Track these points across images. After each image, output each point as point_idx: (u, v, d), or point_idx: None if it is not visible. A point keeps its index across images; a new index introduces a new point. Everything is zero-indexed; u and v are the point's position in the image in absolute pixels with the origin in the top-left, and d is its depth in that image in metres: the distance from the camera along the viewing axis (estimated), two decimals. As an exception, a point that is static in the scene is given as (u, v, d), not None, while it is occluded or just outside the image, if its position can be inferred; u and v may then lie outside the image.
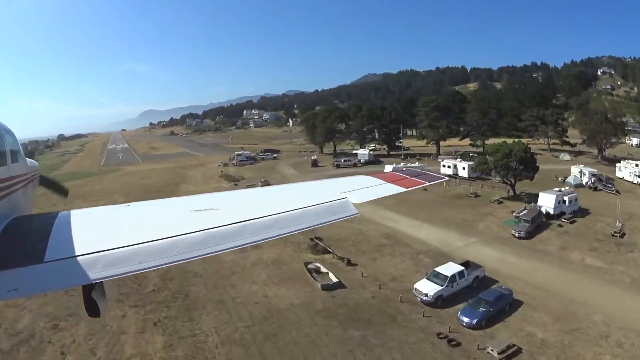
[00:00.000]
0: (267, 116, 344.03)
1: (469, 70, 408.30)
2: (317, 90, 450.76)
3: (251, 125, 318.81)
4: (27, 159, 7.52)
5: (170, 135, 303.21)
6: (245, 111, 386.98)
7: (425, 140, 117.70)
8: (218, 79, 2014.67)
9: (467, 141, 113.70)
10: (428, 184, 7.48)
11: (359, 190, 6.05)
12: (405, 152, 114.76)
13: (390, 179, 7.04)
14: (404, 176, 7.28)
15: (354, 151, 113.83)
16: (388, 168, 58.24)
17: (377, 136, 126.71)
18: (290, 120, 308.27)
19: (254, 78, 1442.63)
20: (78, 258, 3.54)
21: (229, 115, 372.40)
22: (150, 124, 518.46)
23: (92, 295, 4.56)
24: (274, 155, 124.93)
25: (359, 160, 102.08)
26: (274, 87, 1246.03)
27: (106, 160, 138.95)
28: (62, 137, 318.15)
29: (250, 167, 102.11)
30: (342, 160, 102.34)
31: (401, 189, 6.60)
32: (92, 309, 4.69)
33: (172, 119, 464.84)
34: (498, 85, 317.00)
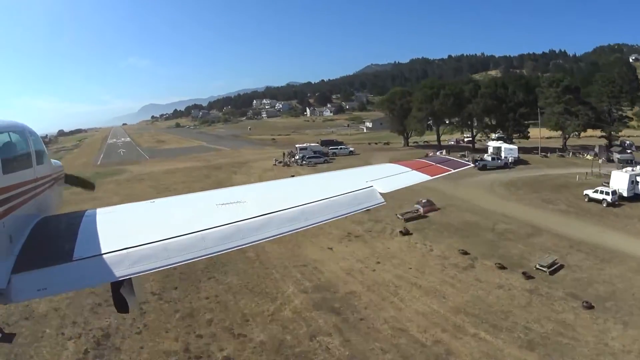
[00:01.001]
0: (280, 106, 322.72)
1: (484, 57, 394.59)
2: (323, 80, 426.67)
3: (264, 115, 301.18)
4: (52, 160, 7.52)
5: (176, 127, 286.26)
6: (255, 101, 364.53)
7: (559, 131, 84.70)
8: (217, 73, 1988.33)
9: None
10: (453, 170, 7.04)
11: (384, 178, 5.91)
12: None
13: (416, 166, 6.77)
14: (430, 163, 7.16)
15: (491, 144, 77.20)
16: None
17: (489, 123, 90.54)
18: (307, 110, 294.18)
19: (254, 71, 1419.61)
20: (106, 256, 3.52)
21: (237, 106, 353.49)
22: (152, 117, 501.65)
23: (120, 292, 4.41)
24: (350, 149, 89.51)
25: (506, 159, 67.96)
26: (275, 80, 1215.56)
27: (105, 157, 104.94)
28: (61, 133, 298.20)
29: (328, 168, 66.26)
30: (486, 158, 68.48)
31: (427, 177, 6.41)
32: (121, 305, 4.57)
33: (175, 110, 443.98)
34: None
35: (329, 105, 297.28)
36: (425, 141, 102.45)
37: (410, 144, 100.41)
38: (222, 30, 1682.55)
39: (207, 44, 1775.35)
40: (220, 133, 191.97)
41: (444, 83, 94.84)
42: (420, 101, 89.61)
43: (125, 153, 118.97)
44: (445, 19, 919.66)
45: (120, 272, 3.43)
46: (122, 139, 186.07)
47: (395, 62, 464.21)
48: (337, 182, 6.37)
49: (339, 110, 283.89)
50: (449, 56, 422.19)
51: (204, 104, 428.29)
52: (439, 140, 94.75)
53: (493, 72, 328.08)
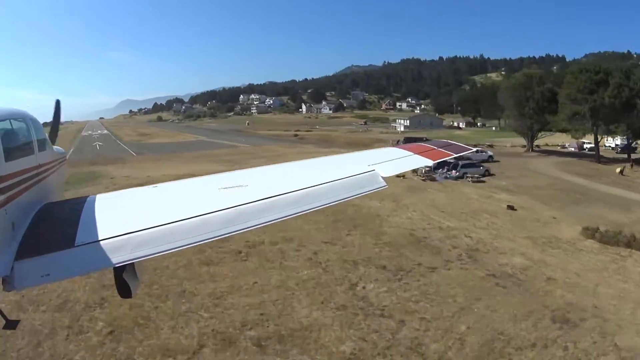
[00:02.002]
0: (271, 102, 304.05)
1: (481, 60, 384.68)
2: (307, 79, 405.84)
3: (253, 111, 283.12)
4: (54, 147, 7.43)
5: (158, 120, 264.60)
6: (241, 96, 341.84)
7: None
8: (195, 70, 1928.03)
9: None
10: (455, 154, 7.13)
11: (386, 162, 5.82)
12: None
13: (417, 150, 6.64)
14: (431, 147, 7.03)
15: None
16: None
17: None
18: (303, 106, 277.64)
19: (232, 69, 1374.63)
20: (108, 240, 3.54)
21: (222, 101, 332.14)
22: (130, 111, 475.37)
23: (123, 277, 4.40)
24: (489, 154, 59.95)
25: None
26: (253, 78, 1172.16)
27: (75, 153, 72.69)
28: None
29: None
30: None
31: (429, 161, 6.43)
32: (124, 290, 4.55)
33: (155, 104, 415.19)
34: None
35: (324, 103, 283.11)
36: (546, 144, 78.31)
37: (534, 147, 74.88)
38: (201, 27, 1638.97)
39: (186, 40, 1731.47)
40: (214, 127, 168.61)
41: (608, 69, 64.64)
42: (578, 89, 60.58)
43: (103, 147, 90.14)
44: (433, 21, 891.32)
45: (122, 257, 3.41)
46: (99, 131, 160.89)
47: (385, 62, 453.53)
48: (339, 165, 6.14)
49: (339, 107, 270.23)
50: (440, 58, 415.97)
51: (191, 96, 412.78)
52: (597, 145, 65.13)
53: (493, 75, 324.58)
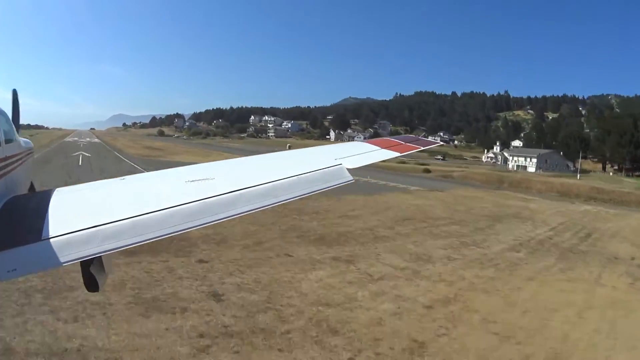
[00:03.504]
0: (289, 125, 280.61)
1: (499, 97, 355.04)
2: (309, 107, 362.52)
3: (271, 134, 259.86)
4: (22, 139, 7.20)
5: (160, 135, 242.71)
6: (252, 117, 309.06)
7: None
8: (186, 90, 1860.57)
9: None
10: (423, 148, 6.78)
11: (353, 156, 5.63)
12: None
13: (385, 144, 6.40)
14: (399, 142, 6.65)
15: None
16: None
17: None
18: (332, 132, 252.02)
19: (220, 92, 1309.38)
20: (76, 234, 3.37)
21: (230, 120, 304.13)
22: (124, 124, 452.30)
23: (90, 270, 4.39)
24: None
25: None
26: (244, 101, 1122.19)
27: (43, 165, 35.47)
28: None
29: None
30: None
31: (396, 154, 6.16)
32: (91, 284, 4.50)
33: (154, 118, 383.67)
34: (551, 115, 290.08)
35: (350, 130, 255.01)
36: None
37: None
38: (197, 47, 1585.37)
39: (181, 59, 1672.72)
40: (241, 147, 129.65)
41: None
42: None
43: (90, 162, 51.70)
44: (439, 58, 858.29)
45: (89, 250, 3.26)
46: (88, 139, 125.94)
47: (397, 93, 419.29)
48: (306, 159, 6.03)
49: (374, 136, 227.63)
50: (454, 92, 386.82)
51: (194, 112, 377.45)
52: None
53: (520, 112, 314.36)
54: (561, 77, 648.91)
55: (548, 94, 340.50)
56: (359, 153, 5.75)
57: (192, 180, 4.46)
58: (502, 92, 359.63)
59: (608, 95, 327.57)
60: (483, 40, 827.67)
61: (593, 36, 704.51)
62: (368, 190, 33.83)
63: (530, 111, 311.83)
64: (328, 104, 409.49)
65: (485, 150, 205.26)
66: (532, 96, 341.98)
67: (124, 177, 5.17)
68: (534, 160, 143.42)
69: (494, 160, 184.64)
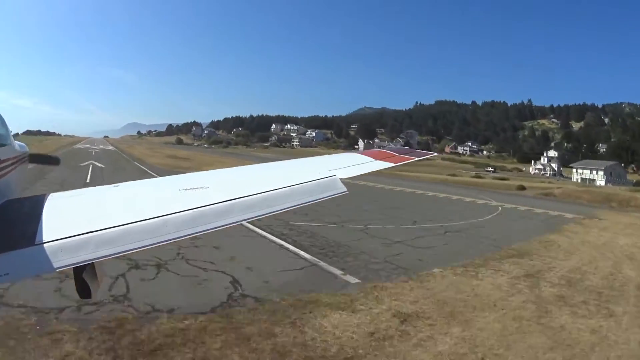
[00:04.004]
0: (313, 135, 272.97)
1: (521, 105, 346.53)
2: (327, 116, 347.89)
3: (295, 143, 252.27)
4: (17, 142, 6.85)
5: (178, 143, 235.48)
6: (274, 125, 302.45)
7: None
8: (202, 99, 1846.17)
9: None
10: (417, 159, 6.27)
11: (346, 167, 5.26)
12: None
13: (379, 156, 6.00)
14: (392, 153, 6.21)
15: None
16: None
17: None
18: (360, 142, 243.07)
19: (235, 100, 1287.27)
20: (69, 240, 3.22)
21: (250, 129, 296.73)
22: (138, 132, 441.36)
23: (83, 277, 4.00)
24: None
25: None
26: (259, 110, 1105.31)
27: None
28: (28, 132, 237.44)
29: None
30: None
31: (390, 164, 5.66)
32: (84, 291, 4.11)
33: (170, 125, 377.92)
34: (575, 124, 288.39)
35: (377, 140, 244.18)
36: None
37: None
38: (212, 57, 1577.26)
39: (196, 68, 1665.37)
40: (272, 157, 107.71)
41: None
42: None
43: (106, 173, 36.74)
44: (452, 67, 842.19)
45: (83, 257, 3.13)
46: (101, 146, 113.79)
47: (417, 102, 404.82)
48: (300, 170, 5.73)
49: (406, 145, 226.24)
50: (474, 102, 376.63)
51: (212, 120, 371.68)
52: None
53: (545, 121, 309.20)
54: (579, 85, 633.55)
55: (569, 103, 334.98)
56: (352, 164, 5.43)
57: (186, 189, 4.37)
58: (524, 101, 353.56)
59: (622, 103, 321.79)
60: (501, 49, 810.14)
61: (605, 43, 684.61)
62: (541, 227, 21.56)
63: (554, 120, 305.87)
64: (344, 114, 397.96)
65: (533, 162, 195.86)
66: (555, 105, 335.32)
67: (118, 184, 4.99)
68: (600, 172, 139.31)
69: (542, 172, 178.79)
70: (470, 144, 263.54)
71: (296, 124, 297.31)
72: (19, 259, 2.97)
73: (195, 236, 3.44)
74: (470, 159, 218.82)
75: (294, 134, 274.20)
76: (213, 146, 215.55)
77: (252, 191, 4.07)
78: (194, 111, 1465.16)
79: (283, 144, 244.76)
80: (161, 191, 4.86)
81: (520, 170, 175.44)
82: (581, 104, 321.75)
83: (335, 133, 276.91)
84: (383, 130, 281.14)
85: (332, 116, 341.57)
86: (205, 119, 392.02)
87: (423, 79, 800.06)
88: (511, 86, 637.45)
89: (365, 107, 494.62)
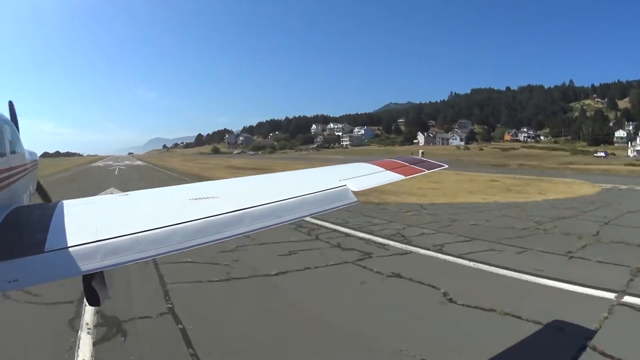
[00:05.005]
0: (362, 132, 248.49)
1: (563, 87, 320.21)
2: (357, 113, 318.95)
3: (345, 142, 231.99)
4: (27, 150, 6.94)
5: (215, 152, 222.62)
6: (314, 126, 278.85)
7: None
8: (223, 108, 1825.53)
9: None
10: (428, 171, 6.32)
11: (357, 178, 5.35)
12: None
13: (389, 166, 6.07)
14: (404, 164, 6.33)
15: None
16: None
17: None
18: (420, 135, 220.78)
19: (258, 107, 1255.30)
20: (78, 247, 3.21)
21: (289, 131, 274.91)
22: (164, 146, 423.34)
23: (92, 285, 4.05)
24: None
25: None
26: (279, 113, 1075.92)
27: None
28: (46, 154, 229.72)
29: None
30: None
31: (401, 177, 5.79)
32: (93, 299, 4.12)
33: (199, 135, 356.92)
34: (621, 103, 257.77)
35: (448, 133, 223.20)
36: None
37: None
38: (229, 67, 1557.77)
39: (217, 79, 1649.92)
40: (351, 159, 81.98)
41: None
42: None
43: None
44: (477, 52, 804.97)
45: (92, 265, 3.11)
46: (127, 162, 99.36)
47: (452, 93, 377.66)
48: (310, 179, 5.70)
49: (471, 137, 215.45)
50: (508, 88, 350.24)
51: (244, 126, 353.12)
52: None
53: (590, 102, 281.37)
54: (615, 60, 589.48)
55: (608, 81, 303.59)
56: (363, 174, 5.52)
57: (196, 199, 4.28)
58: (565, 82, 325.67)
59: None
60: (537, 29, 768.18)
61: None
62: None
63: (599, 100, 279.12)
64: (371, 111, 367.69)
65: (629, 143, 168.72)
66: (597, 84, 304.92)
67: (127, 193, 4.84)
68: None
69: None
70: (525, 129, 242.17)
71: (339, 123, 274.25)
72: (28, 266, 2.91)
73: None
74: (546, 145, 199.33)
75: (339, 133, 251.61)
76: (260, 152, 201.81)
77: (262, 201, 4.00)
78: (217, 120, 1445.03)
79: (332, 145, 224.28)
80: (171, 200, 4.59)
81: (613, 154, 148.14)
82: (616, 81, 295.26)
83: (384, 129, 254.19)
84: (433, 122, 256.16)
85: (362, 113, 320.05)
86: (233, 126, 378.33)
87: (453, 69, 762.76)
88: (546, 69, 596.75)
89: (390, 103, 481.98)
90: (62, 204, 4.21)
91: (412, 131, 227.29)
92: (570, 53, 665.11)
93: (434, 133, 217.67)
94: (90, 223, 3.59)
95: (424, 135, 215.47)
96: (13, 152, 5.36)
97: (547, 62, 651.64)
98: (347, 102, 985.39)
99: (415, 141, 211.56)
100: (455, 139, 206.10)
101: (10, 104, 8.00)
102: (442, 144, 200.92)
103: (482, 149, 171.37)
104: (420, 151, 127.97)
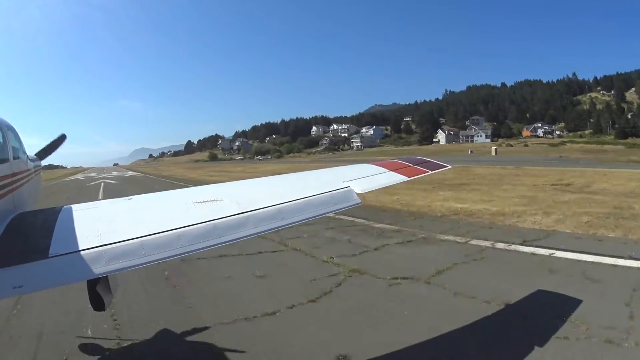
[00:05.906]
0: (372, 132, 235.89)
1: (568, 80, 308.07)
2: (354, 114, 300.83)
3: (356, 144, 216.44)
4: (30, 155, 6.73)
5: (213, 159, 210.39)
6: (314, 127, 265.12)
7: None
8: (209, 117, 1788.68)
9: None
10: (431, 172, 6.11)
11: (361, 179, 5.28)
12: None
13: (392, 167, 5.92)
14: (407, 164, 6.16)
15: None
16: None
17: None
18: (441, 133, 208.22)
19: (247, 112, 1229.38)
20: (82, 252, 3.19)
21: (288, 134, 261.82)
22: (150, 155, 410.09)
23: (97, 289, 4.20)
24: None
25: None
26: (271, 116, 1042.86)
27: None
28: None
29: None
30: None
31: (404, 178, 5.67)
32: (97, 303, 4.29)
33: (189, 142, 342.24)
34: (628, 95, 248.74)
35: (476, 129, 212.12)
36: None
37: None
38: (212, 75, 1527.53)
39: (200, 85, 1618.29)
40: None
41: None
42: None
43: None
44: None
45: (97, 270, 3.09)
46: (115, 173, 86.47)
47: (447, 90, 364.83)
48: (314, 181, 5.49)
49: (496, 134, 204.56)
50: (503, 83, 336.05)
51: (238, 130, 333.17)
52: None
53: (596, 94, 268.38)
54: (614, 52, 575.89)
55: (610, 73, 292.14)
56: (366, 175, 5.46)
57: (200, 202, 4.22)
58: (568, 75, 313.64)
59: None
60: (531, 23, 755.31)
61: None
62: None
63: (604, 92, 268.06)
64: (355, 113, 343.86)
65: None
66: (599, 76, 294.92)
67: (131, 197, 4.85)
68: None
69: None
70: (540, 124, 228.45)
71: (342, 124, 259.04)
72: (33, 271, 2.91)
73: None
74: (589, 140, 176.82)
75: (345, 134, 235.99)
76: (269, 156, 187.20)
77: (266, 203, 3.99)
78: (204, 128, 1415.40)
79: (340, 147, 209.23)
80: (175, 204, 4.47)
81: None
82: (620, 72, 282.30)
83: (394, 129, 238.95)
84: (444, 120, 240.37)
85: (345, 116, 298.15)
86: (222, 133, 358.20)
87: (445, 68, 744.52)
88: (542, 63, 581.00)
89: (376, 104, 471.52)
90: (66, 209, 4.15)
91: (427, 130, 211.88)
92: (567, 47, 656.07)
93: (455, 131, 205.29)
94: (95, 228, 3.53)
95: (444, 133, 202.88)
96: (16, 158, 5.27)
97: (542, 57, 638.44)
98: (331, 105, 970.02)
99: (435, 140, 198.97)
100: (481, 136, 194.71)
101: (62, 137, 8.44)
102: (465, 141, 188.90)
103: (511, 145, 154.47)
104: (470, 150, 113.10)
